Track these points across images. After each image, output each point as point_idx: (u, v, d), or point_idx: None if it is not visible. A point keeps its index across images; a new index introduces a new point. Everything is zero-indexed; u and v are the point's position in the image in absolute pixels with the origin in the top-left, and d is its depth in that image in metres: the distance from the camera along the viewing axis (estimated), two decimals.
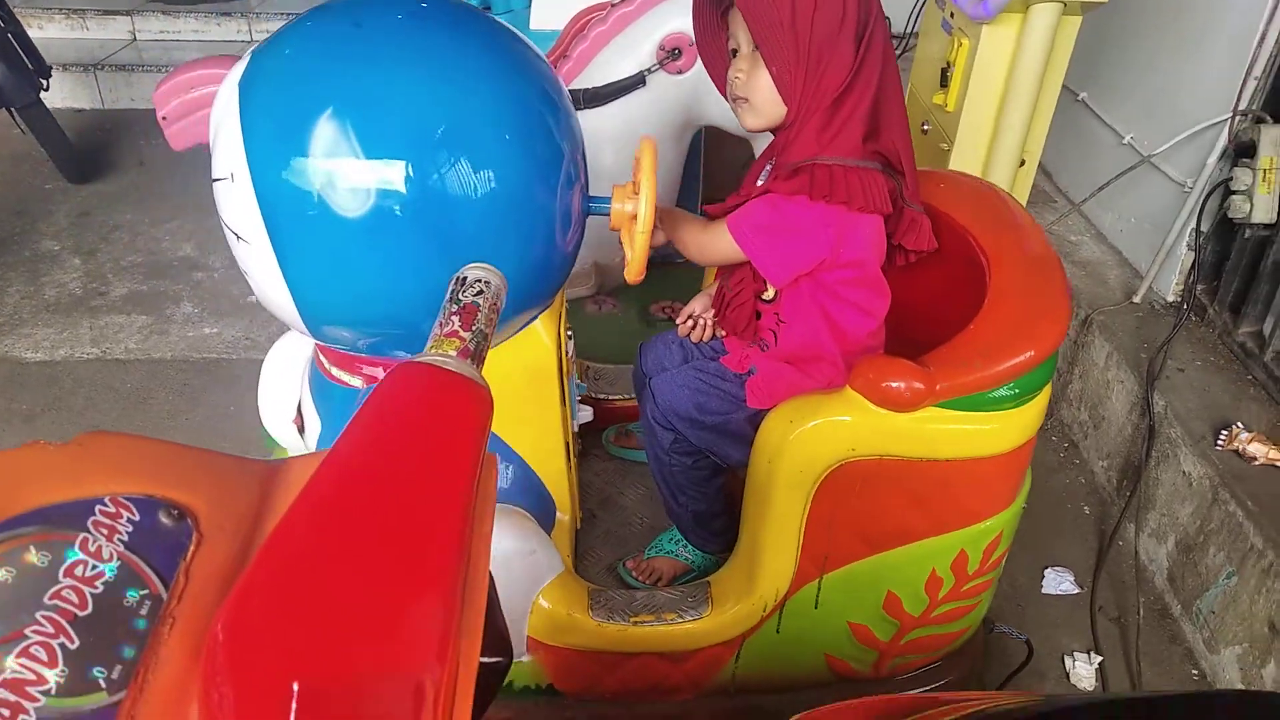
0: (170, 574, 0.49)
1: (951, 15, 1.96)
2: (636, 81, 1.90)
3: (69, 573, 0.46)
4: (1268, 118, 1.86)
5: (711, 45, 1.26)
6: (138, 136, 3.60)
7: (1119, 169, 2.26)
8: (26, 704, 0.41)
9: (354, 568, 0.45)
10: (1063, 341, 1.18)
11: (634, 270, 1.16)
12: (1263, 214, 1.84)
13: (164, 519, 0.51)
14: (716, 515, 1.41)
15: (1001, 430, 1.16)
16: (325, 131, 1.00)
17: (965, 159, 1.91)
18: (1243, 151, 1.88)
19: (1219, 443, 1.73)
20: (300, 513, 0.48)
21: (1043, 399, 1.19)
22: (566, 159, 1.10)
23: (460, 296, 0.66)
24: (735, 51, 1.22)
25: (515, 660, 1.34)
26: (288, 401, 1.51)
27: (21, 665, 0.42)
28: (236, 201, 1.05)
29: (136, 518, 0.50)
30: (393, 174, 0.99)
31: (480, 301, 0.66)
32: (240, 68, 1.07)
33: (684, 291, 2.16)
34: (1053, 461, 2.19)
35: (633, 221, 1.11)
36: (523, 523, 1.25)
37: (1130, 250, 2.31)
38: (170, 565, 0.50)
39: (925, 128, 2.08)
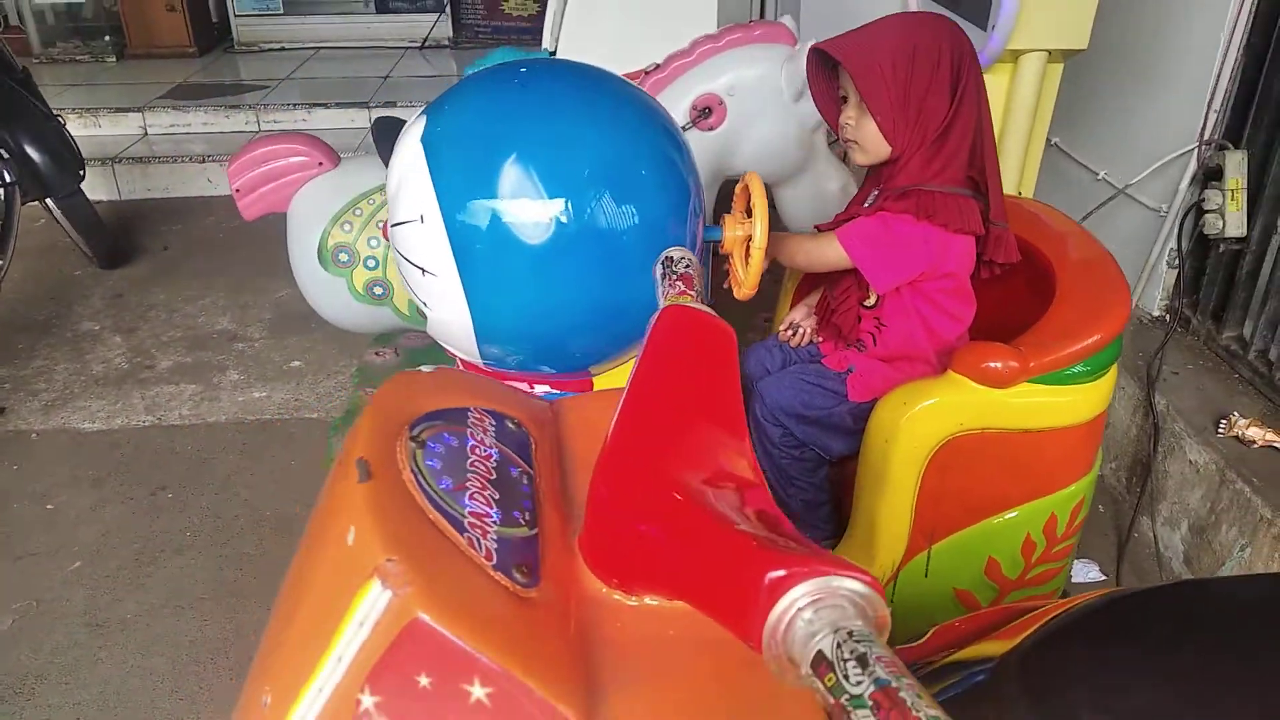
0: (527, 460, 0.64)
1: None
2: None
3: (472, 451, 0.61)
4: (1229, 145, 2.11)
5: (824, 94, 1.48)
6: (158, 224, 3.75)
7: (1096, 202, 2.50)
8: (487, 529, 0.55)
9: (676, 435, 0.61)
10: (1125, 324, 1.39)
11: (750, 286, 1.34)
12: (1235, 229, 2.08)
13: (510, 425, 0.66)
14: (823, 504, 1.57)
15: (1081, 402, 1.36)
16: (510, 175, 1.19)
17: None
18: (1211, 175, 2.12)
19: (1219, 432, 1.93)
20: (632, 403, 0.63)
21: (1112, 375, 1.40)
22: (693, 193, 1.29)
23: (675, 269, 0.83)
24: (845, 99, 1.43)
25: None
26: None
27: (475, 503, 0.56)
28: (425, 240, 1.23)
29: (494, 423, 0.65)
30: (567, 209, 1.18)
31: (692, 271, 0.83)
32: (419, 127, 1.26)
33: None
34: None
35: (745, 243, 1.29)
36: None
37: None
38: (525, 456, 0.65)
39: None
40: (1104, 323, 1.37)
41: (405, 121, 2.21)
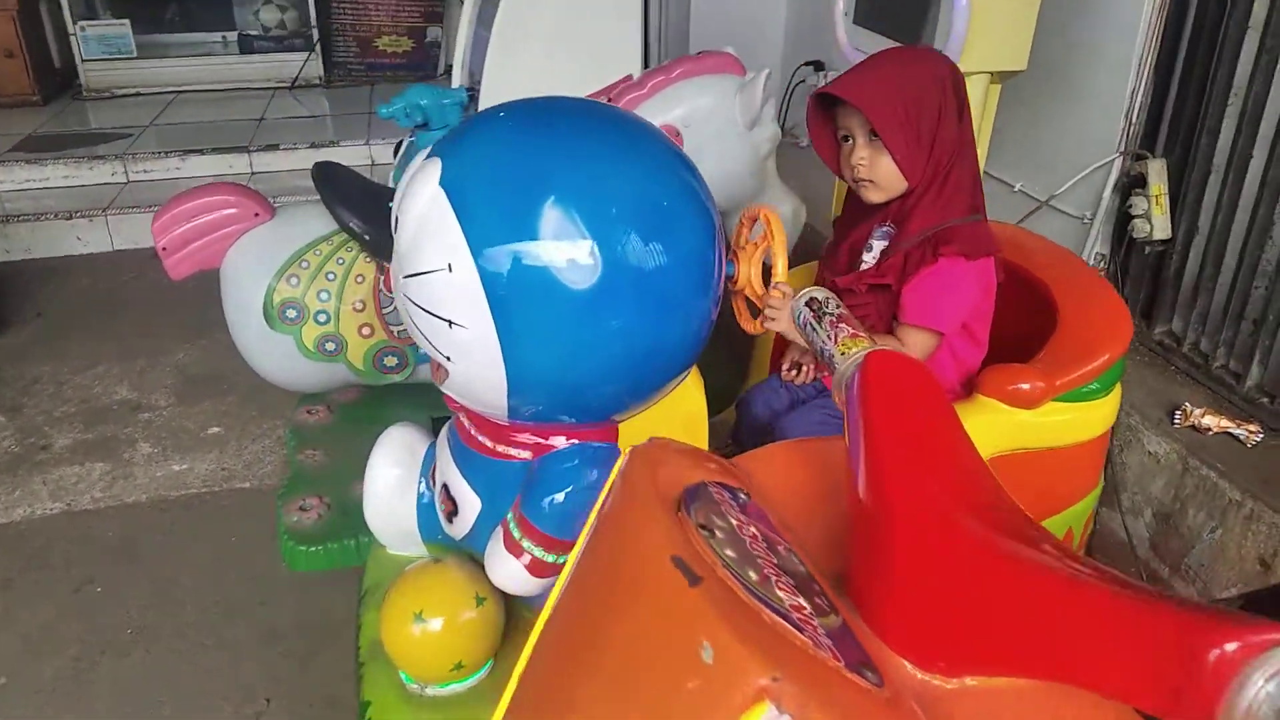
0: (776, 533, 0.58)
1: None
2: None
3: (740, 531, 0.55)
4: (1148, 154, 2.24)
5: (820, 135, 1.47)
6: (26, 288, 3.40)
7: (1017, 215, 2.61)
8: (813, 623, 0.49)
9: (958, 490, 0.57)
10: (1130, 341, 1.45)
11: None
12: (1160, 232, 2.21)
13: (742, 496, 0.60)
14: None
15: (1096, 418, 1.42)
16: (550, 217, 1.11)
17: None
18: (1135, 183, 2.25)
19: (1175, 422, 2.03)
20: (886, 459, 0.59)
21: (1117, 393, 1.44)
22: (718, 226, 1.25)
23: (828, 310, 0.79)
24: (847, 138, 1.42)
25: None
26: (407, 499, 1.53)
27: (784, 593, 0.50)
28: (454, 289, 1.13)
29: (730, 496, 0.59)
30: (609, 250, 1.12)
31: (845, 310, 0.79)
32: (433, 170, 1.16)
33: None
34: None
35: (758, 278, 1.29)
36: None
37: None
38: (771, 528, 0.59)
39: None
40: (1114, 340, 1.45)
41: (345, 167, 2.09)
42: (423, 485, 1.56)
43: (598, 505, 0.62)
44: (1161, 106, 2.26)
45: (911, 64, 1.40)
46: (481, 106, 2.60)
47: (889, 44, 2.19)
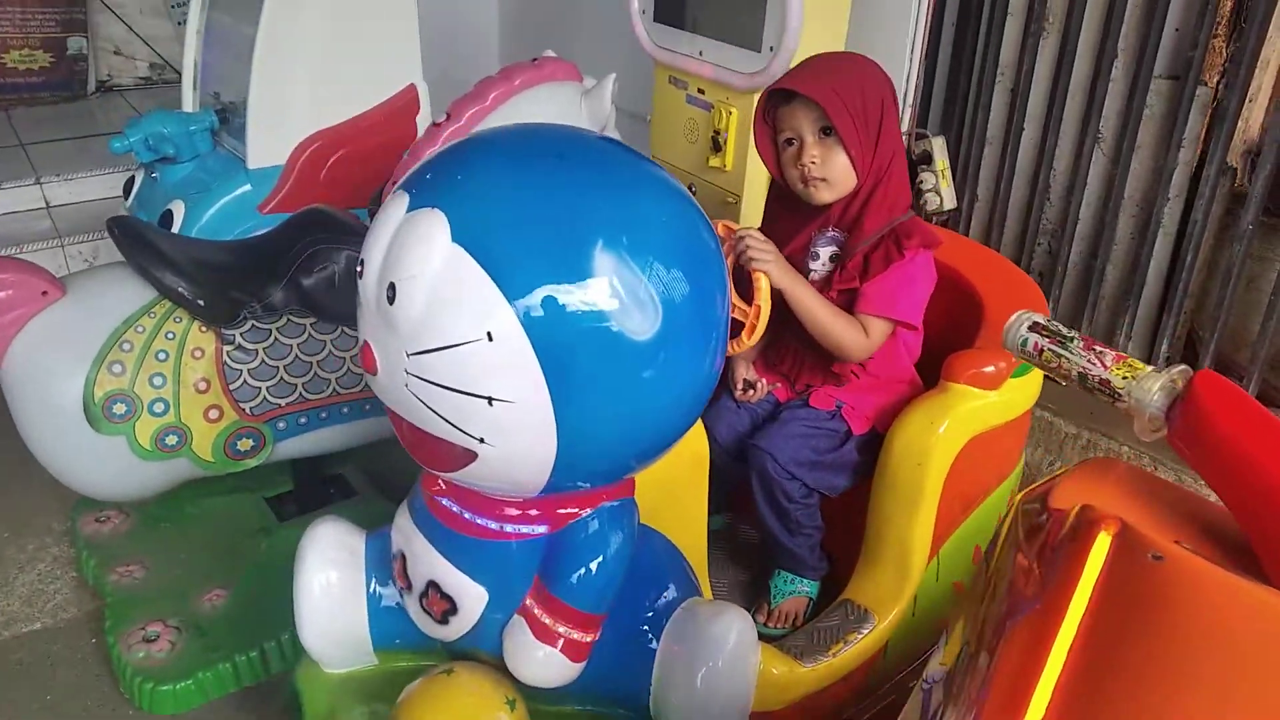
0: None
1: (700, 91, 2.28)
2: None
3: None
4: (928, 133, 2.48)
5: (760, 136, 1.47)
6: None
7: None
8: None
9: None
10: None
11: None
12: (949, 202, 2.46)
13: None
14: (820, 543, 1.56)
15: (1032, 388, 1.54)
16: (604, 261, 0.98)
17: (755, 206, 2.24)
18: (923, 160, 2.48)
19: None
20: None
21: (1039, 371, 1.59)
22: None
23: (1066, 334, 0.78)
24: (792, 141, 1.41)
25: None
26: (355, 606, 1.31)
27: None
28: (497, 361, 0.97)
29: None
30: (660, 286, 1.01)
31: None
32: (437, 225, 0.98)
33: None
34: None
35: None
36: (742, 612, 1.25)
37: None
38: None
39: (692, 188, 2.38)
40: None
41: (142, 220, 1.72)
42: (374, 585, 1.33)
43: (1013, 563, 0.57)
44: (931, 89, 2.50)
45: (856, 63, 1.44)
46: (253, 128, 2.25)
47: (705, 41, 2.21)
